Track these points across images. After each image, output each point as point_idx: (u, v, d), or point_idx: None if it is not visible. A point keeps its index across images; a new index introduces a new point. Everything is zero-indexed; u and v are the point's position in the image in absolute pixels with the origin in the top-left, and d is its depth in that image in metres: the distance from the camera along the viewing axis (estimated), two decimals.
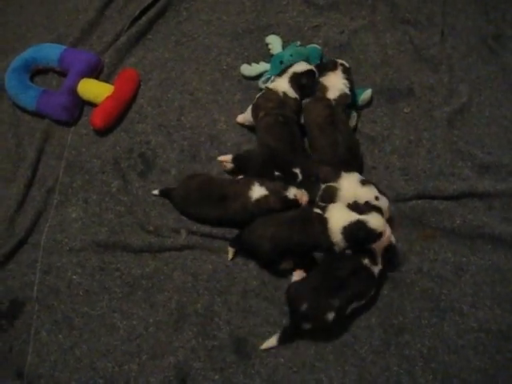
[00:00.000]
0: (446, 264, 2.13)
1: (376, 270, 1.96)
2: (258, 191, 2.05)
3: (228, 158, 2.21)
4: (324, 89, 2.25)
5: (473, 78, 2.49)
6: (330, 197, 2.05)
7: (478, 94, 2.46)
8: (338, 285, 1.92)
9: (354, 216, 1.92)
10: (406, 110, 2.41)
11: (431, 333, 2.02)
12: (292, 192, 2.04)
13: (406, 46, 2.56)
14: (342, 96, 2.24)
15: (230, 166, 2.21)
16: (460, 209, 2.19)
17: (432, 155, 2.31)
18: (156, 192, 2.24)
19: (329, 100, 2.22)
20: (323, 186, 2.06)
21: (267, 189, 2.05)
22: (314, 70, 2.27)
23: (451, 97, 2.44)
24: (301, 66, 2.26)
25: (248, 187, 2.06)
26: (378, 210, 1.99)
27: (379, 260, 1.98)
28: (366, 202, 2.00)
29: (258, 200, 2.05)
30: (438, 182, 2.24)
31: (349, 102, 2.28)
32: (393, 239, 2.01)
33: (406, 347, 2.00)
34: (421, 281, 2.09)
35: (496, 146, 2.35)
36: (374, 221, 1.91)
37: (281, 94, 2.23)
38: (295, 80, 2.24)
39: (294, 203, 2.03)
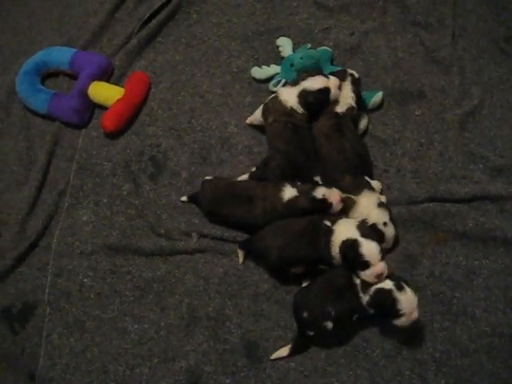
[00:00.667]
0: (457, 267, 2.11)
1: (365, 299, 1.89)
2: (289, 192, 2.04)
3: (245, 177, 2.23)
4: (332, 103, 2.22)
5: (484, 79, 2.48)
6: (346, 209, 2.05)
7: (490, 96, 2.44)
8: (335, 295, 1.91)
9: (354, 234, 1.91)
10: (417, 113, 2.40)
11: (443, 337, 2.01)
12: (320, 192, 2.01)
13: (416, 48, 2.54)
14: (349, 109, 2.22)
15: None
16: (472, 212, 2.18)
17: (444, 158, 2.30)
18: (184, 198, 2.24)
19: (336, 113, 2.20)
20: (342, 195, 2.04)
21: (297, 190, 2.04)
22: (329, 88, 2.18)
23: (463, 99, 2.43)
24: (314, 83, 2.18)
25: (279, 189, 2.05)
26: (381, 235, 2.01)
27: (370, 291, 1.89)
28: (373, 224, 2.01)
29: (289, 201, 2.04)
30: (449, 185, 2.23)
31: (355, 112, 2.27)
32: (389, 286, 1.88)
33: (418, 351, 1.99)
34: (432, 284, 2.08)
35: (508, 148, 2.33)
36: (368, 247, 1.89)
37: (288, 108, 2.20)
38: (304, 97, 2.18)
39: (324, 203, 2.01)
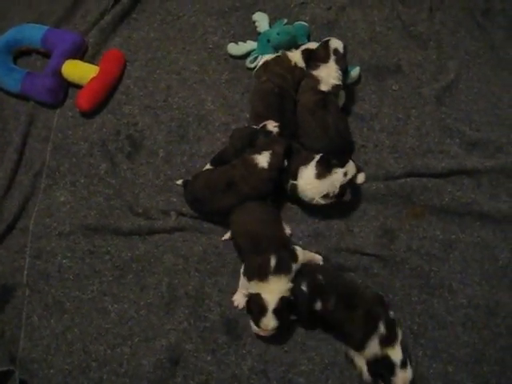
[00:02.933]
0: (435, 241, 2.14)
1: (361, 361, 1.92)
2: (262, 158, 2.05)
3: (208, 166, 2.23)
4: (316, 81, 2.21)
5: (461, 54, 2.48)
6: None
7: (467, 70, 2.45)
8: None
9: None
10: (394, 88, 2.40)
11: (421, 310, 2.04)
12: (268, 126, 2.09)
13: (394, 22, 2.53)
14: (335, 87, 2.21)
15: None
16: (449, 186, 2.20)
17: (421, 133, 2.31)
18: (179, 182, 2.22)
19: (320, 91, 2.19)
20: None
21: (265, 149, 2.06)
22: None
23: (439, 73, 2.43)
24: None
25: (252, 164, 2.05)
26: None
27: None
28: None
29: (270, 163, 2.04)
30: (426, 160, 2.24)
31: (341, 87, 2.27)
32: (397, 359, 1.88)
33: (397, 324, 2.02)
34: (410, 259, 2.10)
35: (485, 122, 2.35)
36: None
37: (292, 63, 2.27)
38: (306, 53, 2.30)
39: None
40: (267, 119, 2.14)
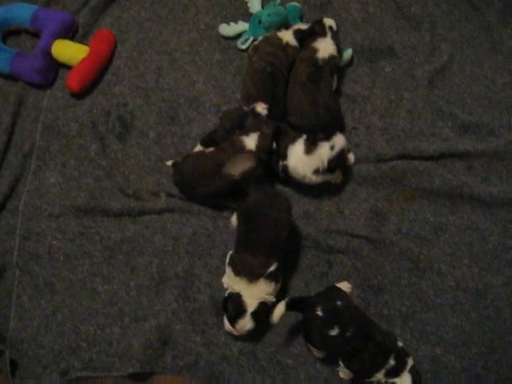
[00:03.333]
0: (425, 224, 2.15)
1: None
2: (250, 139, 2.05)
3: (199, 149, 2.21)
4: (314, 50, 2.20)
5: (455, 36, 2.46)
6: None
7: (460, 52, 2.43)
8: None
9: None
10: (387, 70, 2.38)
11: (410, 292, 2.06)
12: (257, 108, 2.09)
13: (387, 3, 2.50)
14: (331, 57, 2.20)
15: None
16: (440, 169, 2.20)
17: (413, 115, 2.30)
18: (169, 163, 2.20)
19: (317, 59, 2.18)
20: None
21: (253, 130, 2.05)
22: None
23: (433, 56, 2.41)
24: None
25: (240, 146, 2.04)
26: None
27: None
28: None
29: (258, 145, 2.04)
30: (418, 142, 2.24)
31: (337, 63, 2.25)
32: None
33: (385, 307, 2.04)
34: (400, 241, 2.11)
35: (477, 105, 2.34)
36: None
37: (283, 42, 2.25)
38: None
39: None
40: (258, 101, 2.13)
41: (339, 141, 2.05)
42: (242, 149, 2.04)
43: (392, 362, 1.81)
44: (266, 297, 1.88)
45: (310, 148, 2.03)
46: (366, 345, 1.79)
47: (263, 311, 1.87)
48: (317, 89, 2.14)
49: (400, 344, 1.87)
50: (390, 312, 2.03)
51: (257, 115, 2.08)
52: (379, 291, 2.05)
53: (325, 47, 2.19)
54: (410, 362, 1.85)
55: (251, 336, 1.97)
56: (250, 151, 2.03)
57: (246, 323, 1.87)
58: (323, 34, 2.22)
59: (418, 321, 2.02)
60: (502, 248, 2.12)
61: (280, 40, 2.25)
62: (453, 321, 2.02)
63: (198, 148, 2.20)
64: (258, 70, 2.19)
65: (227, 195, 2.11)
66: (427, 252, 2.11)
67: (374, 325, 1.87)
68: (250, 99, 2.15)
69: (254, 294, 1.86)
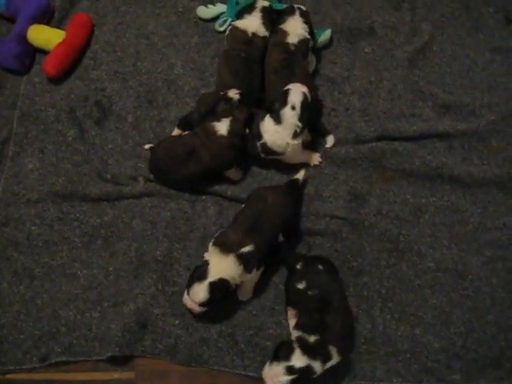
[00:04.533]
0: (405, 205, 2.14)
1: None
2: (222, 125, 2.04)
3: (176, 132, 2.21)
4: (284, 34, 2.19)
5: (436, 15, 2.44)
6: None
7: (441, 32, 2.41)
8: None
9: None
10: (366, 50, 2.37)
11: (389, 274, 2.05)
12: (230, 94, 2.08)
13: None
14: (303, 41, 2.19)
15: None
16: (420, 150, 2.19)
17: (392, 96, 2.29)
18: (147, 146, 2.20)
19: (287, 44, 2.17)
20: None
21: (225, 116, 2.04)
22: None
23: (413, 35, 2.40)
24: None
25: (212, 131, 2.04)
26: None
27: None
28: None
29: (229, 131, 2.03)
30: (398, 123, 2.23)
31: (311, 46, 2.24)
32: None
33: (365, 288, 2.03)
34: (380, 223, 2.11)
35: (458, 85, 2.33)
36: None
37: (250, 34, 2.21)
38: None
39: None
40: (233, 87, 2.11)
41: (295, 97, 2.01)
42: (213, 134, 2.03)
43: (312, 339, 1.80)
44: (230, 276, 1.87)
45: (277, 119, 2.02)
46: (315, 313, 1.83)
47: (222, 287, 1.86)
48: (292, 73, 2.13)
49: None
50: (369, 293, 2.02)
51: (228, 100, 2.06)
52: (359, 273, 2.05)
53: (295, 29, 2.18)
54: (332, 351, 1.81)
55: (230, 318, 1.98)
56: (222, 136, 2.02)
57: (201, 291, 1.85)
58: (291, 13, 2.21)
59: (397, 302, 2.02)
60: (481, 229, 2.12)
61: (244, 33, 2.22)
62: (432, 301, 2.02)
63: (176, 131, 2.19)
64: (232, 56, 2.17)
65: (200, 181, 2.12)
66: (407, 233, 2.10)
67: (337, 307, 1.86)
68: (226, 86, 2.13)
69: (220, 266, 1.86)
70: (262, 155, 2.10)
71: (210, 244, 1.92)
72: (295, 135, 2.03)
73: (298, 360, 1.74)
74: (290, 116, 2.00)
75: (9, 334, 1.99)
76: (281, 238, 1.98)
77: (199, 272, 1.87)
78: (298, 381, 1.74)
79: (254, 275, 1.93)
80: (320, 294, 1.85)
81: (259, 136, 2.06)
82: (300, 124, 2.01)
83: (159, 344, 1.97)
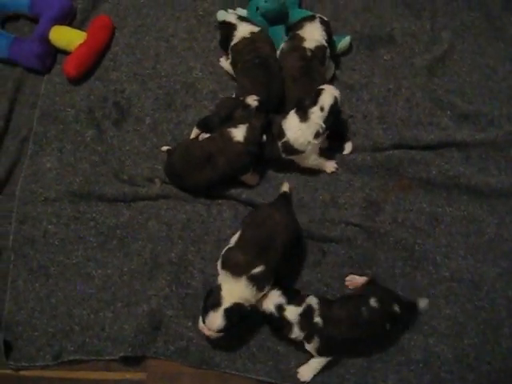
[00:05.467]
0: (421, 214, 2.13)
1: None
2: (239, 131, 2.04)
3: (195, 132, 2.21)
4: (301, 39, 2.19)
5: (456, 24, 2.43)
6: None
7: (461, 40, 2.40)
8: None
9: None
10: (385, 58, 2.36)
11: (404, 282, 2.04)
12: (248, 100, 2.07)
13: None
14: (319, 47, 2.18)
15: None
16: (437, 159, 2.17)
17: (411, 104, 2.28)
18: (164, 148, 2.20)
19: (305, 50, 2.17)
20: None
21: (242, 122, 2.04)
22: None
23: (433, 44, 2.39)
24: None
25: (228, 137, 2.04)
26: None
27: None
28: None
29: (246, 137, 2.03)
30: (415, 132, 2.21)
31: (328, 54, 2.23)
32: None
33: None
34: (395, 231, 2.09)
35: (477, 94, 2.31)
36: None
37: (248, 35, 2.21)
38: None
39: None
40: (252, 93, 2.11)
41: (327, 99, 2.02)
42: (229, 140, 2.03)
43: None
44: (245, 299, 1.84)
45: (303, 116, 2.03)
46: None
47: (237, 312, 1.83)
48: (311, 80, 2.14)
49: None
50: None
51: (246, 107, 2.07)
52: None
53: (312, 35, 2.19)
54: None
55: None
56: (238, 143, 2.03)
57: (217, 319, 1.82)
58: (311, 20, 2.22)
59: None
60: (498, 239, 2.10)
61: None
62: (446, 311, 2.00)
63: (195, 131, 2.20)
64: (246, 67, 2.17)
65: (216, 186, 2.13)
66: (422, 242, 2.08)
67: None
68: (246, 93, 2.12)
69: (233, 290, 1.83)
70: (283, 155, 2.09)
71: (219, 266, 1.89)
72: (317, 135, 2.03)
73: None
74: (317, 116, 2.01)
75: (23, 331, 2.01)
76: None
77: (213, 299, 1.83)
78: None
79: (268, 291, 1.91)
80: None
81: (281, 134, 2.06)
82: (324, 126, 2.02)
83: (171, 346, 1.97)
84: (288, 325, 1.85)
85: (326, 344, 1.85)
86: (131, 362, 1.98)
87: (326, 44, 2.20)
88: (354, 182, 2.17)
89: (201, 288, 2.03)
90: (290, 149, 2.07)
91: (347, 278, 2.03)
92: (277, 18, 2.31)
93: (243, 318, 1.85)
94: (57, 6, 2.35)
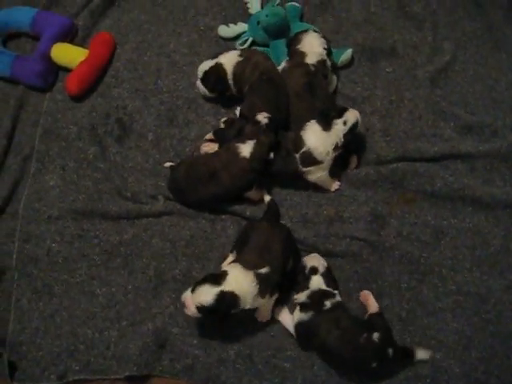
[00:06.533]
0: (426, 227, 2.12)
1: None
2: (246, 147, 2.03)
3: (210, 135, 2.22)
4: (302, 55, 2.19)
5: (458, 35, 2.43)
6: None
7: (463, 51, 2.40)
8: None
9: None
10: (388, 70, 2.36)
11: (410, 296, 2.03)
12: (259, 117, 2.06)
13: (389, 2, 2.49)
14: (321, 62, 2.18)
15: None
16: (441, 171, 2.17)
17: (414, 116, 2.27)
18: (167, 164, 2.20)
19: (307, 65, 2.16)
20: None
21: (250, 138, 2.04)
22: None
23: (435, 55, 2.38)
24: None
25: (235, 152, 2.03)
26: None
27: None
28: None
29: (252, 153, 2.03)
30: (419, 144, 2.21)
31: (330, 64, 2.24)
32: None
33: (385, 311, 2.00)
34: (400, 244, 2.08)
35: (480, 105, 2.31)
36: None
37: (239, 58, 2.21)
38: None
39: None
40: (262, 110, 2.10)
41: (351, 116, 2.06)
42: (236, 155, 2.03)
43: None
44: (244, 293, 1.82)
45: (326, 126, 2.04)
46: None
47: (229, 302, 1.81)
48: (313, 96, 2.14)
49: None
50: (389, 316, 1.99)
51: (256, 123, 2.06)
52: (379, 295, 2.02)
53: (311, 47, 2.19)
54: None
55: (248, 339, 1.97)
56: (244, 158, 2.02)
57: (208, 294, 1.79)
58: (305, 32, 2.23)
59: (417, 325, 1.99)
60: (504, 251, 2.08)
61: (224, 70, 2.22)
62: (453, 325, 1.99)
63: (209, 135, 2.22)
64: (255, 85, 2.16)
65: (220, 202, 2.12)
66: (428, 255, 2.07)
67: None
68: (254, 110, 2.12)
69: (238, 280, 1.82)
70: (300, 167, 2.07)
71: (230, 257, 1.94)
72: (336, 148, 2.04)
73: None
74: (340, 128, 2.03)
75: (27, 351, 2.00)
76: (291, 264, 1.97)
77: (216, 277, 1.83)
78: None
79: (268, 301, 1.91)
80: None
81: (299, 145, 2.06)
82: (342, 140, 2.03)
83: (177, 364, 1.96)
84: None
85: (311, 326, 1.87)
86: (137, 380, 1.96)
87: (325, 55, 2.20)
88: (358, 196, 2.16)
89: None
90: (309, 158, 2.06)
91: (365, 292, 2.01)
92: (278, 31, 2.31)
93: (226, 315, 1.86)
94: (58, 23, 2.35)
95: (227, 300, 1.80)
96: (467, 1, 2.49)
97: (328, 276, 1.95)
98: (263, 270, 1.85)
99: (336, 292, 1.91)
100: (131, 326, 2.01)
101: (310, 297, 1.89)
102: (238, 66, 2.19)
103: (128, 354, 1.97)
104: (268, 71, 2.17)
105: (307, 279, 1.93)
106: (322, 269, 1.95)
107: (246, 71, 2.18)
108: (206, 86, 2.25)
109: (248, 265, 1.85)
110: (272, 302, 1.93)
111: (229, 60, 2.21)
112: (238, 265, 1.86)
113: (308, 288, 1.92)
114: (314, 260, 1.98)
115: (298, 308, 1.92)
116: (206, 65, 2.24)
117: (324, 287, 1.91)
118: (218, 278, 1.82)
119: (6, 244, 2.15)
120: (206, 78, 2.24)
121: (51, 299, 2.07)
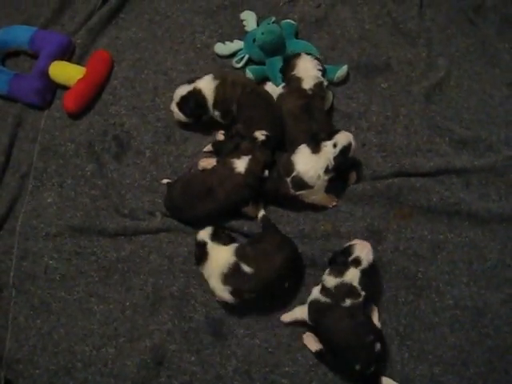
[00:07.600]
0: (422, 242, 2.12)
1: None
2: (241, 162, 2.05)
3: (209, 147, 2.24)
4: (298, 80, 2.20)
5: (452, 51, 2.45)
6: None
7: (457, 67, 2.42)
8: None
9: None
10: (383, 86, 2.37)
11: (407, 311, 2.03)
12: (256, 133, 2.08)
13: (383, 19, 2.51)
14: (318, 84, 2.20)
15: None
16: (437, 186, 2.17)
17: (409, 131, 2.29)
18: (165, 181, 2.21)
19: (304, 91, 2.18)
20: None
21: (245, 153, 2.05)
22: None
23: (429, 71, 2.40)
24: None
25: (230, 168, 2.05)
26: None
27: None
28: None
29: (247, 168, 2.04)
30: (415, 159, 2.22)
31: (326, 84, 2.25)
32: None
33: (382, 326, 2.00)
34: (397, 259, 2.09)
35: (475, 120, 2.32)
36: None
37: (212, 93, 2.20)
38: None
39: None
40: (260, 126, 2.12)
41: (342, 138, 2.04)
42: (231, 170, 2.04)
43: None
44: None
45: (315, 148, 2.03)
46: None
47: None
48: (310, 118, 2.15)
49: None
50: (386, 331, 1.99)
51: (253, 139, 2.08)
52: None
53: (306, 71, 2.20)
54: None
55: (246, 355, 1.97)
56: (239, 174, 2.03)
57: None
58: (297, 56, 2.24)
59: (415, 340, 1.99)
60: (501, 266, 2.09)
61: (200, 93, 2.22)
62: (451, 340, 1.99)
63: (208, 147, 2.24)
64: (239, 96, 2.18)
65: (217, 218, 2.12)
66: (425, 270, 2.08)
67: None
68: (252, 124, 2.14)
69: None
70: (292, 191, 2.08)
71: None
72: (326, 171, 2.03)
73: None
74: (329, 151, 2.01)
75: (24, 369, 2.00)
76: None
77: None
78: None
79: None
80: None
81: (290, 170, 2.05)
82: (333, 163, 2.02)
83: (175, 381, 1.96)
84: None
85: (323, 309, 1.89)
86: None
87: (322, 79, 2.22)
88: (354, 211, 2.16)
89: (203, 321, 2.02)
90: (299, 183, 2.05)
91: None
92: (274, 49, 2.33)
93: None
94: (56, 41, 2.37)
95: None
96: (460, 17, 2.51)
97: (366, 274, 1.89)
98: None
99: (363, 294, 1.87)
100: (129, 343, 2.01)
101: (336, 287, 1.87)
102: (218, 90, 2.19)
103: (126, 371, 1.97)
104: (248, 84, 2.21)
105: (345, 267, 1.89)
106: (365, 264, 1.89)
107: (227, 91, 2.18)
108: (182, 111, 2.24)
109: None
110: None
111: (206, 85, 2.20)
112: None
113: (341, 277, 1.88)
114: (363, 250, 1.92)
115: (319, 286, 1.92)
116: (183, 89, 2.22)
117: (356, 284, 1.87)
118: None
119: (4, 261, 2.16)
120: (184, 102, 2.22)
121: (49, 316, 2.07)
